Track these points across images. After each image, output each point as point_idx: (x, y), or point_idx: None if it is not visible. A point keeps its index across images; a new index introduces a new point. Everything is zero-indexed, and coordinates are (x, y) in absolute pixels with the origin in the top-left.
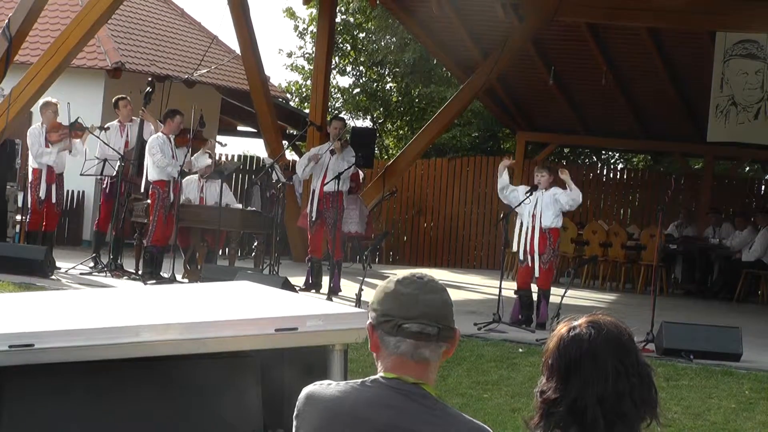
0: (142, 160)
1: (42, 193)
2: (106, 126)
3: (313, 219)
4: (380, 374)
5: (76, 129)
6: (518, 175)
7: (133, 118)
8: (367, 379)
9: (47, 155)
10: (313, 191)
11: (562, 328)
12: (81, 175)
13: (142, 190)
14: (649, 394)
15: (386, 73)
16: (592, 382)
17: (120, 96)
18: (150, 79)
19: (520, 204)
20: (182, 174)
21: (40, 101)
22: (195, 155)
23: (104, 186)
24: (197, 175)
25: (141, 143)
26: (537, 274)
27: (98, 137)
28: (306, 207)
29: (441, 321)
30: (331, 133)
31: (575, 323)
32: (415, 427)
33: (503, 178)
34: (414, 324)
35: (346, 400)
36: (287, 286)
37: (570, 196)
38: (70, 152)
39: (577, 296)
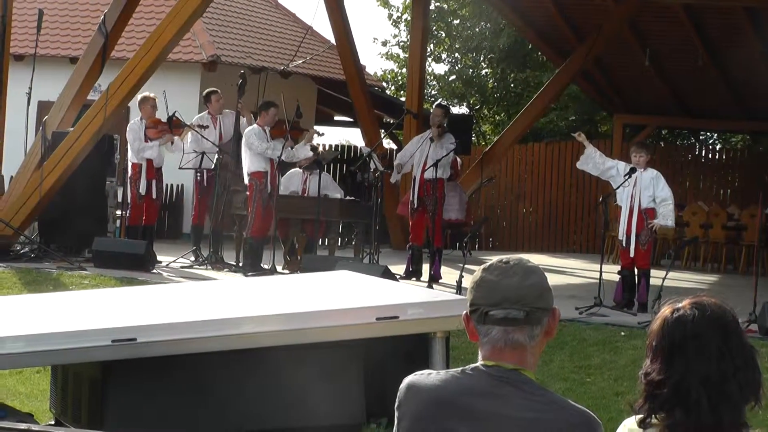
0: (240, 153)
1: (142, 189)
2: (204, 124)
3: (414, 206)
4: (480, 362)
5: (175, 126)
6: (616, 158)
7: (225, 110)
8: (467, 367)
9: (149, 149)
10: (414, 178)
11: (665, 310)
12: (180, 168)
13: (246, 181)
14: (753, 377)
15: (481, 59)
16: (696, 363)
17: (212, 89)
18: (242, 71)
19: (619, 186)
20: (282, 165)
21: (138, 96)
22: (296, 146)
23: (199, 179)
24: (300, 168)
25: (238, 135)
26: (632, 254)
27: (199, 132)
28: (405, 194)
29: (528, 304)
30: (432, 121)
31: (679, 305)
32: (518, 413)
33: (589, 149)
34: (499, 310)
35: (446, 388)
36: (387, 274)
37: (666, 204)
38: (172, 144)
39: (678, 278)
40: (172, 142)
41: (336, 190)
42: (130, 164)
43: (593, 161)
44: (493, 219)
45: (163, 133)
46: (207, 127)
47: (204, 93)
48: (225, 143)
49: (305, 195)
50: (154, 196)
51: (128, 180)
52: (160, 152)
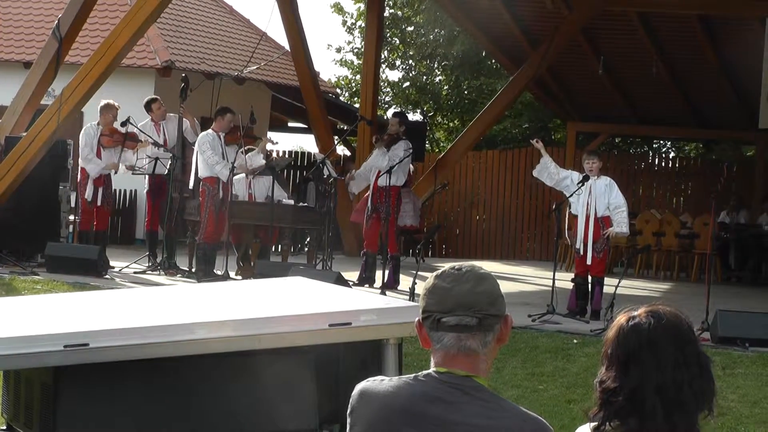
0: (184, 158)
1: (88, 196)
2: (159, 143)
3: (369, 213)
4: (433, 369)
5: (130, 139)
6: (569, 165)
7: (169, 115)
8: (420, 373)
9: (93, 164)
10: (369, 186)
11: (621, 318)
12: (133, 174)
13: (191, 186)
14: (707, 386)
15: (435, 66)
16: (651, 371)
17: (152, 97)
18: (184, 75)
19: (572, 194)
20: (233, 172)
21: (102, 102)
22: (249, 154)
23: (147, 187)
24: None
25: (182, 140)
26: (589, 262)
27: (152, 142)
28: (359, 202)
29: (480, 311)
30: (389, 129)
31: (635, 313)
32: (470, 420)
33: (546, 158)
34: (451, 317)
35: (399, 395)
36: (340, 281)
37: (620, 210)
38: (115, 172)
39: (630, 286)
40: (116, 171)
41: (280, 193)
42: (80, 169)
43: (548, 171)
44: (447, 226)
45: (117, 143)
46: (160, 146)
47: (144, 102)
48: (169, 149)
49: (252, 200)
50: (99, 204)
51: (78, 185)
52: (101, 170)
